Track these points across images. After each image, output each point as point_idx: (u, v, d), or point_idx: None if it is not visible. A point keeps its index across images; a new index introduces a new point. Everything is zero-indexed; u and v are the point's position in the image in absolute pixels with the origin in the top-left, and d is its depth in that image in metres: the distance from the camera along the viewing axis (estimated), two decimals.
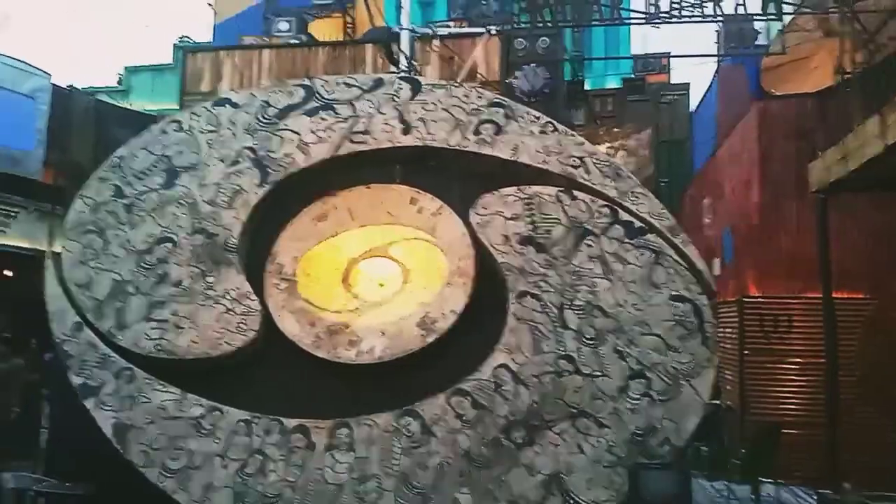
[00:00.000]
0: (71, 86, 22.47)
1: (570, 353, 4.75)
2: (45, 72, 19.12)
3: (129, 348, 4.85)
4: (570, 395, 4.68)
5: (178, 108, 15.03)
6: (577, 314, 4.82)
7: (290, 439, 4.65)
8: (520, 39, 11.60)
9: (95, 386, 4.76)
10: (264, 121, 5.34)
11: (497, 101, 5.43)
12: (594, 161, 5.19)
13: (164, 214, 5.14)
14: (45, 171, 18.68)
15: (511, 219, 5.03)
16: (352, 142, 5.27)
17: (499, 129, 5.23)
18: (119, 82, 27.30)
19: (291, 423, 4.68)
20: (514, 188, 5.10)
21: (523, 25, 9.91)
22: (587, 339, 4.78)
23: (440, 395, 4.69)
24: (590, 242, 4.96)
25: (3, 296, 17.71)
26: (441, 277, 5.05)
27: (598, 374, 4.72)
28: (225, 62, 14.32)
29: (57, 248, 5.34)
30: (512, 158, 5.17)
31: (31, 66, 18.80)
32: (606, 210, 5.02)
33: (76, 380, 4.78)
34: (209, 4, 19.74)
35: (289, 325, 4.92)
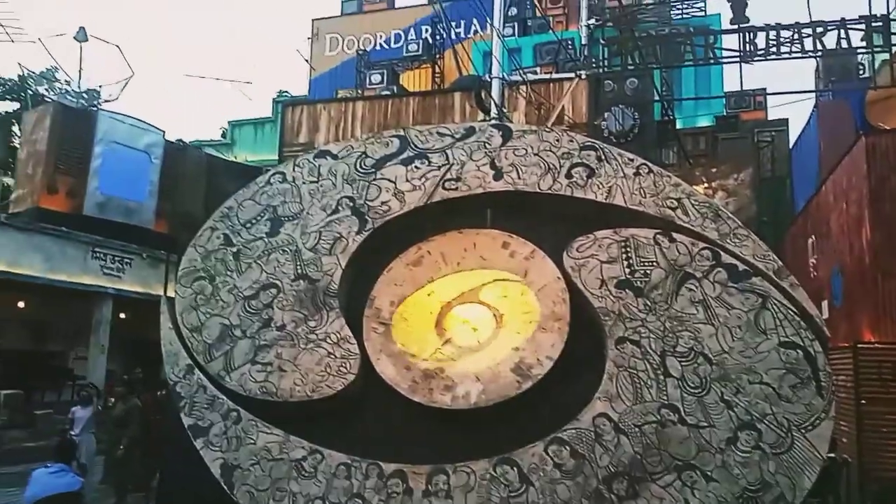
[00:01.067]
0: (180, 140, 24.10)
1: (674, 402, 4.58)
2: (158, 128, 20.68)
3: (236, 390, 5.06)
4: (674, 447, 4.49)
5: (277, 158, 15.83)
6: (680, 361, 4.66)
7: (388, 484, 4.68)
8: (607, 81, 11.60)
9: (205, 426, 4.98)
10: (362, 171, 5.54)
11: (589, 144, 5.43)
12: (692, 202, 5.08)
13: (269, 261, 5.39)
14: (156, 220, 20.07)
15: (607, 262, 4.96)
16: (445, 188, 5.38)
17: (592, 172, 5.22)
18: (223, 135, 29.12)
19: (390, 467, 4.71)
20: (610, 231, 5.04)
21: (614, 69, 9.90)
22: (691, 387, 4.60)
23: (538, 444, 4.61)
24: (691, 286, 4.82)
25: (119, 337, 18.88)
26: (534, 322, 5.03)
27: (705, 424, 4.52)
28: (321, 114, 15.00)
29: (171, 294, 5.67)
30: (606, 201, 5.13)
31: (145, 123, 20.39)
32: (707, 253, 4.88)
33: (187, 420, 5.01)
34: (306, 61, 20.84)
35: (386, 369, 5.00)
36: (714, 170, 11.36)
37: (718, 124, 16.00)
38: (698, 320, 4.74)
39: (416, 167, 5.46)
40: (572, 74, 10.83)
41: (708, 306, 4.76)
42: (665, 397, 4.61)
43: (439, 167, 5.42)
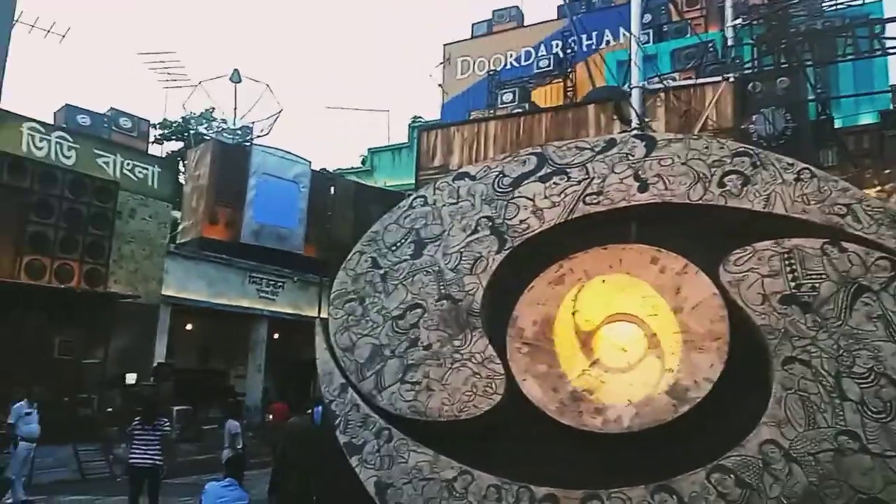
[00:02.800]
0: (324, 169, 25.47)
1: (854, 428, 4.15)
2: (305, 159, 22.00)
3: (387, 408, 5.19)
4: (856, 478, 4.05)
5: (414, 182, 16.30)
6: (859, 383, 4.21)
7: None
8: (755, 82, 10.91)
9: (359, 444, 5.14)
10: (500, 190, 5.54)
11: (742, 150, 5.10)
12: (864, 208, 4.62)
13: (414, 282, 5.51)
14: (305, 245, 21.28)
15: (769, 276, 4.61)
16: (585, 203, 5.26)
17: (746, 180, 4.89)
18: (363, 162, 30.47)
19: (541, 491, 4.61)
20: (770, 242, 4.69)
21: (765, 69, 9.29)
22: (873, 412, 4.14)
23: (698, 471, 4.33)
24: (867, 300, 4.36)
25: (273, 356, 20.10)
26: (688, 342, 4.75)
27: (892, 454, 4.05)
28: (454, 137, 15.27)
29: (324, 315, 5.94)
30: (764, 210, 4.79)
31: (293, 154, 21.77)
32: (885, 263, 4.41)
33: (342, 438, 5.20)
34: (439, 85, 21.37)
35: (533, 390, 4.93)
36: (888, 171, 10.27)
37: (885, 121, 14.54)
38: (878, 337, 4.28)
39: (554, 183, 5.38)
40: (718, 78, 10.29)
41: (889, 322, 4.29)
42: (843, 423, 4.18)
43: (579, 182, 5.31)
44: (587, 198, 5.25)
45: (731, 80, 10.02)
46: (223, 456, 10.26)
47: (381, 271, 5.65)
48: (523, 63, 20.37)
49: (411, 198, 5.95)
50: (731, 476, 4.27)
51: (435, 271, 5.48)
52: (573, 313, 5.18)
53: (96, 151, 19.08)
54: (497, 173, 5.60)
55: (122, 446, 14.53)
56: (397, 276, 5.57)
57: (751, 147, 5.36)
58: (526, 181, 5.47)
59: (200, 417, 17.00)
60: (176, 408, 15.83)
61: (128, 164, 19.65)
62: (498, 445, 5.02)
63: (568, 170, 5.38)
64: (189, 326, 19.13)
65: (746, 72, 9.79)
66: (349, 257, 5.82)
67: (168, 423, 9.81)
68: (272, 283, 20.11)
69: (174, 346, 18.11)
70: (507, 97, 15.88)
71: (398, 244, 5.69)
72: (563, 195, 5.32)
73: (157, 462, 9.01)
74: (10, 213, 14.35)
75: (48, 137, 18.16)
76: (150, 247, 17.32)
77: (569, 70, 18.13)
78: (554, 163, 5.45)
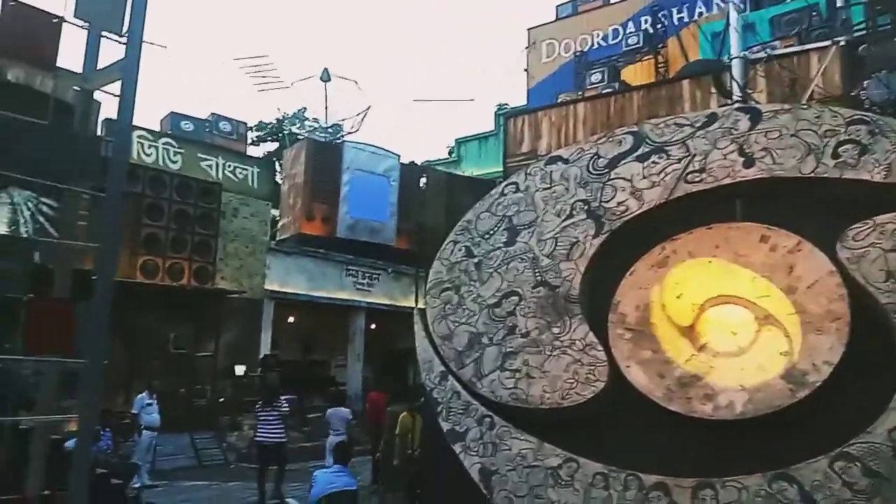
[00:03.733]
0: (413, 162, 25.76)
1: None
2: (394, 153, 22.34)
3: (488, 396, 5.20)
4: None
5: (501, 170, 16.21)
6: None
7: (649, 497, 4.47)
8: (865, 46, 10.12)
9: (461, 432, 5.18)
10: (595, 172, 5.41)
11: (858, 117, 4.74)
12: None
13: (508, 270, 5.48)
14: (397, 237, 21.65)
15: (892, 250, 4.28)
16: (687, 182, 5.05)
17: (864, 150, 4.55)
18: (450, 153, 30.60)
19: (650, 479, 4.49)
20: (892, 215, 4.35)
21: (881, 28, 8.61)
22: None
23: (820, 459, 4.10)
24: None
25: (370, 346, 20.62)
26: (804, 323, 4.49)
27: None
28: (542, 121, 15.03)
29: (422, 305, 6.01)
30: (886, 181, 4.44)
31: (383, 149, 22.15)
32: None
33: (445, 425, 5.26)
34: (525, 70, 21.12)
35: (637, 377, 4.80)
36: None
37: None
38: None
39: (653, 162, 5.19)
40: (826, 42, 9.60)
41: None
42: None
43: (679, 160, 5.10)
44: (689, 176, 5.04)
45: (842, 43, 9.33)
46: (330, 443, 10.64)
47: (475, 260, 5.65)
48: (611, 42, 19.78)
49: (502, 185, 5.91)
50: (857, 464, 4.01)
51: (530, 258, 5.42)
52: (678, 297, 5.00)
53: (200, 155, 20.09)
54: (591, 155, 5.47)
55: (234, 434, 15.36)
56: (491, 265, 5.56)
57: (867, 114, 4.99)
58: (622, 161, 5.32)
59: (305, 407, 17.65)
60: (284, 397, 16.48)
61: (229, 165, 20.58)
62: (603, 433, 4.94)
63: (667, 148, 5.18)
64: (291, 319, 19.88)
65: (858, 34, 9.09)
66: (443, 247, 5.86)
67: (287, 405, 10.66)
68: (368, 275, 20.60)
69: (278, 339, 18.88)
70: (596, 78, 15.45)
71: (491, 232, 5.67)
72: (662, 174, 5.13)
73: (279, 439, 10.10)
74: (127, 217, 15.35)
75: (156, 144, 19.27)
76: (252, 244, 18.09)
77: (660, 45, 17.46)
78: (652, 141, 5.27)
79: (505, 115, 18.43)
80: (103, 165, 2.65)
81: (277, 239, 20.81)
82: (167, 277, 15.58)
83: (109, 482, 7.49)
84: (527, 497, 4.81)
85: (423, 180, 22.39)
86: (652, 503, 4.44)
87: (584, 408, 4.89)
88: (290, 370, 17.79)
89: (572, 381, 4.92)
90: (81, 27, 2.83)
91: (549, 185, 5.57)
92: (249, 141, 28.03)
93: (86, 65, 2.94)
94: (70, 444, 8.16)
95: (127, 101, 2.59)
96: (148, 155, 18.87)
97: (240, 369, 16.59)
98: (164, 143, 19.44)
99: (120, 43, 2.69)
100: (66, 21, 2.77)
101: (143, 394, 11.76)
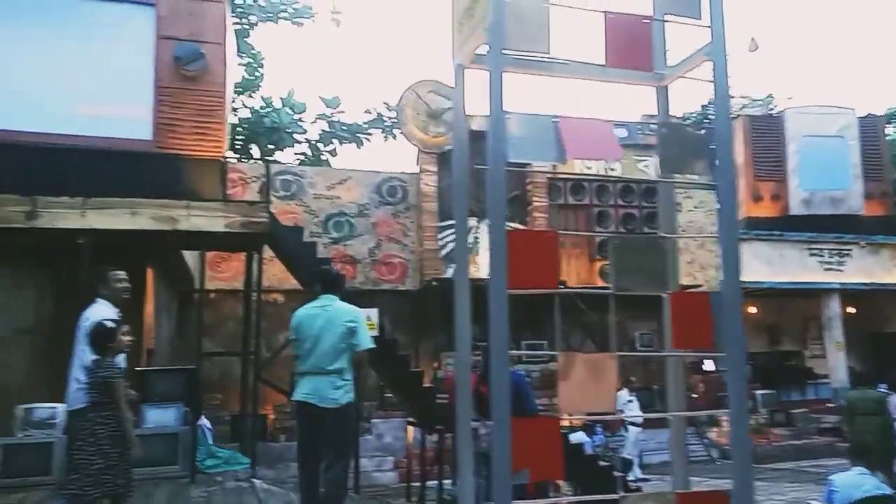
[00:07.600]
0: (871, 113, 22.14)
1: None
2: (847, 107, 19.50)
3: None
4: None
5: None
6: None
7: None
8: None
9: None
10: None
11: None
12: None
13: None
14: (866, 204, 18.78)
15: None
16: None
17: None
18: None
19: None
20: None
21: None
22: None
23: None
24: None
25: (850, 332, 18.24)
26: None
27: None
28: None
29: None
30: None
31: (832, 106, 19.52)
32: None
33: None
34: None
35: None
36: None
37: None
38: None
39: None
40: None
41: None
42: None
43: None
44: None
45: None
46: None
47: None
48: None
49: None
50: None
51: None
52: None
53: (635, 157, 20.69)
54: None
55: (714, 430, 15.18)
56: None
57: None
58: None
59: (784, 401, 16.51)
60: (759, 392, 15.73)
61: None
62: None
63: None
64: (753, 309, 18.84)
65: None
66: None
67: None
68: (836, 252, 18.26)
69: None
70: None
71: None
72: None
73: None
74: (580, 226, 16.71)
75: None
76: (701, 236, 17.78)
77: None
78: None
79: None
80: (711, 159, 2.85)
81: None
82: None
83: (612, 474, 8.17)
84: None
85: (889, 129, 18.98)
86: None
87: None
88: (760, 363, 16.88)
89: None
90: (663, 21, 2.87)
91: None
92: None
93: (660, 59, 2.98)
94: (574, 437, 9.15)
95: (721, 87, 2.72)
96: (588, 168, 20.20)
97: (709, 365, 16.40)
98: None
99: (702, 27, 2.70)
100: (654, 20, 2.84)
101: (623, 390, 12.49)
